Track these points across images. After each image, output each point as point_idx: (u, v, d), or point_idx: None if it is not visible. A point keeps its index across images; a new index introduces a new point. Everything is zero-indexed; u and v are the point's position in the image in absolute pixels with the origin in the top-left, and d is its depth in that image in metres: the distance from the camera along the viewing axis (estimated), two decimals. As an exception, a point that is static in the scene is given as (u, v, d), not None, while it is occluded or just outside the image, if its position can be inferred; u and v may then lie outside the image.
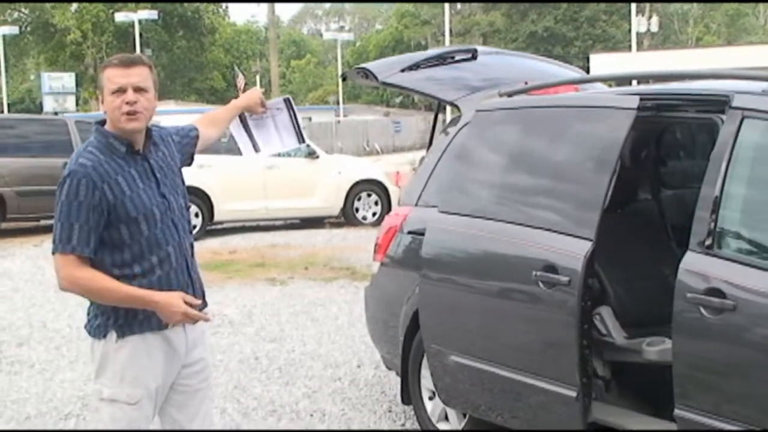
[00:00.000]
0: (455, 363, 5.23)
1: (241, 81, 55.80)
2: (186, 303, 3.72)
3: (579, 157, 4.76)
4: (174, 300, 3.69)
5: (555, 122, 5.02)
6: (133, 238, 3.71)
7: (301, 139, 4.52)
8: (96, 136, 3.77)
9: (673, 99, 4.75)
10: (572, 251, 4.53)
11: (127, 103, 3.66)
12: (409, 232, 5.86)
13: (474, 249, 5.24)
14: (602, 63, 40.90)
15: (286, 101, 4.50)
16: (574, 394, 4.55)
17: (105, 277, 3.67)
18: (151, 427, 3.93)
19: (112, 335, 3.76)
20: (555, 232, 4.67)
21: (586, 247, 4.49)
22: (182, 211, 3.92)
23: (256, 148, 4.49)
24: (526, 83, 5.69)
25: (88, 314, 3.85)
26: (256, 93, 4.45)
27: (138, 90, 3.69)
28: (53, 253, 3.72)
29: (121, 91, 3.67)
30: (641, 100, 4.56)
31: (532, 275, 4.67)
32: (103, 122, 3.81)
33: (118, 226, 3.68)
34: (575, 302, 4.48)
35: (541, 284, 4.64)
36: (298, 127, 4.51)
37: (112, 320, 3.75)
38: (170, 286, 3.78)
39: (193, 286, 3.91)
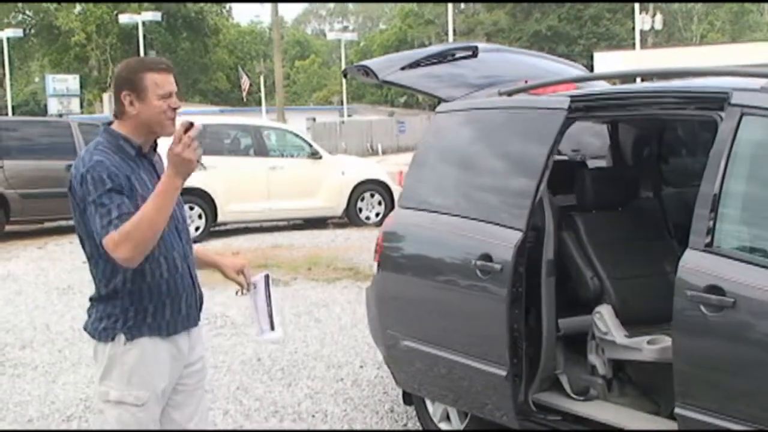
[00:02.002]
0: (407, 347, 5.55)
1: (245, 83, 55.86)
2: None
3: (515, 155, 5.14)
4: (175, 149, 3.53)
5: (497, 123, 5.38)
6: None
7: (271, 326, 4.11)
8: (105, 137, 3.77)
9: (671, 97, 4.72)
10: (505, 241, 4.88)
11: (173, 108, 3.75)
12: None
13: (424, 240, 5.64)
14: (606, 61, 40.85)
15: (266, 278, 4.15)
16: (504, 373, 4.84)
17: (135, 214, 3.53)
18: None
19: (121, 338, 3.74)
20: (492, 223, 5.05)
21: (517, 237, 4.82)
22: (183, 219, 3.93)
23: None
24: (526, 81, 5.66)
25: (90, 316, 3.83)
26: (239, 261, 4.18)
27: (176, 95, 3.83)
28: (100, 241, 3.57)
29: (169, 96, 3.75)
30: (573, 101, 4.88)
31: (471, 264, 5.02)
32: (109, 123, 3.82)
33: None
34: (506, 288, 4.80)
35: (478, 272, 4.98)
36: (271, 310, 4.11)
37: (121, 322, 3.74)
38: (177, 290, 3.80)
39: (195, 292, 3.93)
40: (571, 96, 4.99)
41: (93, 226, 3.62)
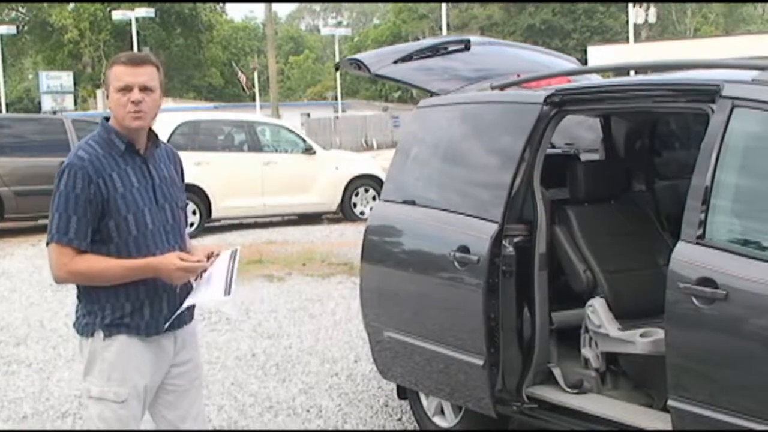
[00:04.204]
0: (389, 338, 5.68)
1: (242, 78, 55.86)
2: (182, 259, 3.71)
3: (492, 148, 5.27)
4: (171, 259, 3.69)
5: (476, 117, 5.48)
6: (120, 236, 3.70)
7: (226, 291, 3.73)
8: (99, 130, 3.79)
9: (662, 89, 4.72)
10: (482, 233, 4.97)
11: (133, 102, 3.67)
12: None
13: (404, 233, 5.79)
14: (600, 55, 40.82)
15: (233, 252, 3.89)
16: (481, 362, 4.94)
17: (100, 258, 3.67)
18: (143, 427, 3.92)
19: (100, 334, 3.75)
20: (469, 216, 5.15)
21: (493, 228, 4.92)
22: (178, 224, 3.90)
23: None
24: (518, 75, 5.65)
25: (77, 312, 3.85)
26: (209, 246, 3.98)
27: (144, 89, 3.69)
28: (48, 243, 3.68)
29: (128, 89, 3.68)
30: (552, 95, 4.95)
31: (449, 255, 5.11)
32: (109, 118, 3.83)
33: (108, 221, 3.68)
34: (483, 279, 4.90)
35: (456, 264, 5.08)
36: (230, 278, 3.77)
37: (99, 319, 3.75)
38: (156, 290, 3.78)
39: (181, 293, 3.88)
40: (556, 90, 5.02)
41: (50, 219, 3.67)
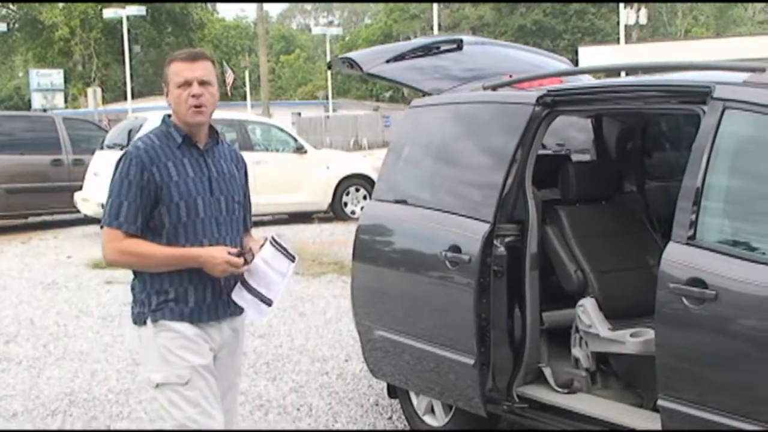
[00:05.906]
0: (380, 337, 5.68)
1: (230, 78, 55.70)
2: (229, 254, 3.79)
3: (484, 148, 5.29)
4: (216, 252, 3.78)
5: (469, 117, 5.50)
6: (171, 221, 3.80)
7: (291, 257, 4.00)
8: (160, 125, 3.93)
9: (653, 91, 4.74)
10: (473, 233, 4.98)
11: (193, 96, 3.80)
12: None
13: (395, 232, 5.81)
14: (591, 56, 40.87)
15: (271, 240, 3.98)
16: (472, 362, 4.94)
17: (146, 242, 3.77)
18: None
19: (149, 321, 3.84)
20: (461, 215, 5.15)
21: (484, 228, 4.92)
22: (231, 216, 3.96)
23: (266, 301, 3.99)
24: (510, 76, 5.66)
25: (132, 305, 3.95)
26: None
27: (203, 83, 3.83)
28: (102, 227, 3.82)
29: (188, 84, 3.81)
30: (544, 96, 4.96)
31: (440, 255, 5.11)
32: (170, 115, 3.95)
33: (161, 208, 3.78)
34: (474, 278, 4.90)
35: (447, 263, 5.08)
36: (285, 249, 3.97)
37: (147, 307, 3.84)
38: (199, 277, 3.83)
39: (228, 282, 3.92)
40: (548, 90, 5.04)
41: (105, 204, 3.82)
